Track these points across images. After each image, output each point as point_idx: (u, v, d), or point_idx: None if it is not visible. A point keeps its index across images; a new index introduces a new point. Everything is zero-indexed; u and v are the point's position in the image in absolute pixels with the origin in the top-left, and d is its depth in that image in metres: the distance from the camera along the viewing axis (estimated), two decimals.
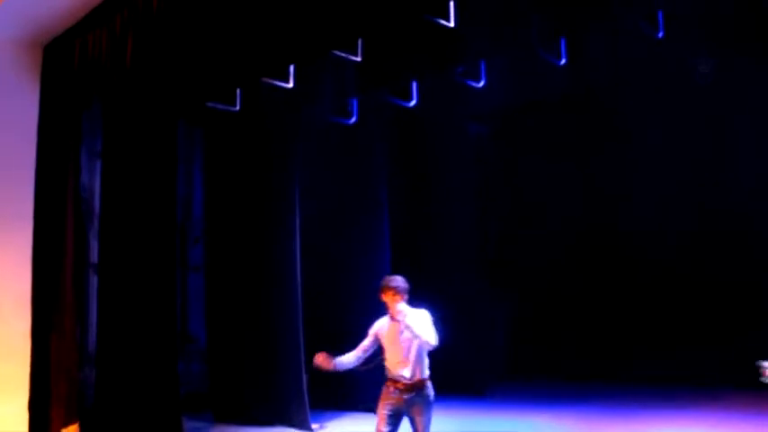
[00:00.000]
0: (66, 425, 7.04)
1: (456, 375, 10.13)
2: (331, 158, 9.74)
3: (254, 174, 9.03)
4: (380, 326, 5.60)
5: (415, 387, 5.45)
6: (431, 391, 5.54)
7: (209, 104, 7.95)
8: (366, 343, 5.60)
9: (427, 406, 5.51)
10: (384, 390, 5.54)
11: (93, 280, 7.57)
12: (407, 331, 5.39)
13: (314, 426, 8.55)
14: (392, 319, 5.48)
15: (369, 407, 7.56)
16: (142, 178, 8.06)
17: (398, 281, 5.53)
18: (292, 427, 8.55)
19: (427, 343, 5.37)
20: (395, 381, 5.48)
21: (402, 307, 5.43)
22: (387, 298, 5.45)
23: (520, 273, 11.35)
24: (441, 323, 10.22)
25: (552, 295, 11.21)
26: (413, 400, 5.45)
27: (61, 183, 7.19)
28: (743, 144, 9.84)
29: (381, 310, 5.65)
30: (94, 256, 7.60)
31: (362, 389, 8.74)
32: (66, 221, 7.21)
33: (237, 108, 7.92)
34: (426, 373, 5.51)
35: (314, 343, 8.67)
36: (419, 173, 11.00)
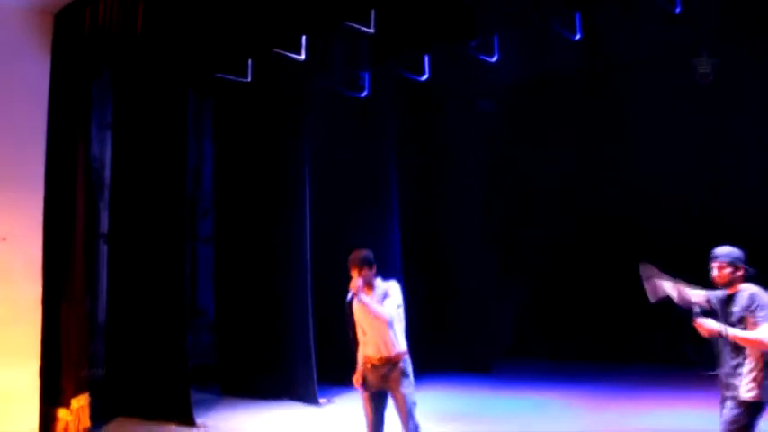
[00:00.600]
0: (76, 394, 7.06)
1: (463, 352, 10.33)
2: (341, 132, 9.70)
3: (264, 146, 9.00)
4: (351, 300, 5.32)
5: (389, 362, 5.27)
6: (407, 365, 5.32)
7: (220, 75, 7.89)
8: None
9: (404, 380, 5.28)
10: (360, 368, 5.39)
11: (104, 250, 7.55)
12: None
13: (321, 400, 8.58)
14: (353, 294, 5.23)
15: None
16: (152, 148, 8.05)
17: (357, 254, 5.30)
18: (300, 400, 8.60)
19: (383, 318, 5.16)
20: (368, 358, 5.33)
21: (370, 281, 5.22)
22: (352, 273, 5.23)
23: (528, 252, 11.32)
24: (448, 301, 10.46)
25: (559, 275, 11.18)
26: (388, 375, 5.26)
27: (71, 151, 7.13)
28: (755, 131, 9.77)
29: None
30: (104, 226, 7.58)
31: None
32: (76, 190, 7.16)
33: (249, 79, 7.86)
34: (400, 347, 5.30)
35: (323, 318, 8.80)
36: (429, 148, 10.96)
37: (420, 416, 5.29)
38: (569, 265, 11.13)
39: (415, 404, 5.28)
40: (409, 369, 5.31)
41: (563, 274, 11.15)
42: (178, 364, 7.83)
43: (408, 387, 5.28)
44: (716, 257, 4.73)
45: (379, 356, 5.28)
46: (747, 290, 4.60)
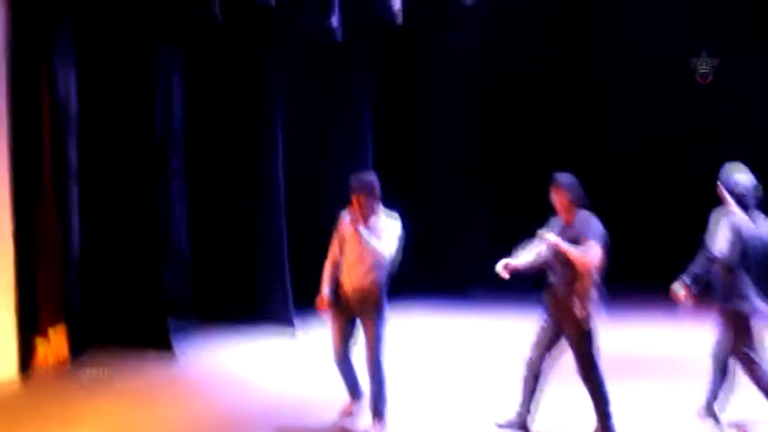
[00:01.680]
0: (53, 324, 7.32)
1: (439, 276, 10.61)
2: (315, 76, 9.67)
3: (235, 84, 8.97)
4: (345, 223, 5.29)
5: (363, 295, 5.18)
6: (382, 303, 5.21)
7: (190, 17, 7.81)
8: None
9: (376, 318, 5.18)
10: (327, 292, 5.30)
11: (75, 190, 7.69)
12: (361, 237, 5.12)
13: (298, 325, 8.76)
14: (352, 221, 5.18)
15: None
16: (120, 86, 8.10)
17: (360, 180, 5.22)
18: (276, 326, 8.85)
19: (378, 253, 5.10)
20: (345, 285, 5.25)
21: (373, 210, 5.14)
22: (353, 199, 5.14)
23: (502, 182, 11.42)
24: (425, 228, 10.65)
25: (529, 206, 11.32)
26: (361, 308, 5.20)
27: (35, 90, 7.23)
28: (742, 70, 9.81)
29: None
30: (74, 166, 7.69)
31: None
32: (42, 128, 7.29)
33: (219, 22, 7.73)
34: (379, 279, 5.20)
35: (298, 244, 9.01)
36: (405, 92, 10.94)
37: (388, 351, 5.27)
38: (541, 197, 11.23)
39: (382, 342, 5.20)
40: (384, 305, 5.22)
41: (534, 206, 11.29)
42: (154, 292, 8.12)
43: (380, 326, 5.22)
44: (555, 183, 5.01)
45: (355, 286, 5.20)
46: (584, 216, 4.92)
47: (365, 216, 5.14)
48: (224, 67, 9.04)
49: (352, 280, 5.20)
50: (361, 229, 5.08)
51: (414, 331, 8.86)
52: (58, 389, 6.61)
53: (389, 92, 10.60)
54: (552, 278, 5.05)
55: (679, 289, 5.16)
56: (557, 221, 5.13)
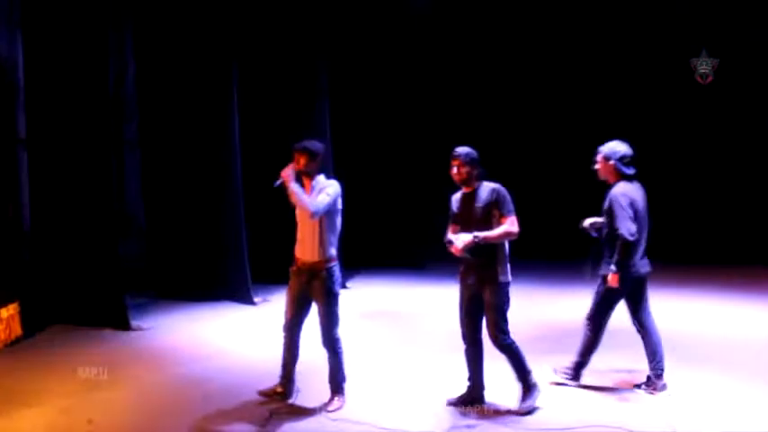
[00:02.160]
0: (5, 303, 6.98)
1: (400, 251, 10.79)
2: (267, 37, 9.43)
3: (187, 46, 8.65)
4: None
5: (313, 269, 5.04)
6: (332, 275, 5.04)
7: None
8: None
9: (326, 291, 5.02)
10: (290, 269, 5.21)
11: (24, 157, 7.29)
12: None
13: (257, 299, 8.71)
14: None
15: None
16: (69, 47, 7.64)
17: (303, 141, 5.08)
18: (235, 301, 8.70)
19: (306, 209, 4.87)
20: (296, 260, 5.15)
21: (311, 173, 5.00)
22: (294, 157, 5.00)
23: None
24: (387, 209, 10.71)
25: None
26: (311, 283, 5.05)
27: None
28: None
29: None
30: (22, 132, 7.29)
31: None
32: None
33: None
34: (327, 253, 5.04)
35: (256, 218, 8.82)
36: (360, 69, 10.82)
37: (343, 324, 5.16)
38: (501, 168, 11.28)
39: (336, 316, 5.09)
40: (334, 279, 5.05)
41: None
42: (109, 268, 7.75)
43: (331, 299, 5.06)
44: (456, 156, 5.04)
45: (302, 260, 5.09)
46: (486, 185, 5.02)
47: (305, 175, 5.02)
48: (177, 29, 8.65)
49: (304, 253, 5.08)
50: (294, 185, 4.88)
51: (373, 303, 8.92)
52: (12, 368, 6.31)
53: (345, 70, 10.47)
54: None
55: (614, 280, 5.24)
56: (456, 196, 5.19)
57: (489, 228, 4.92)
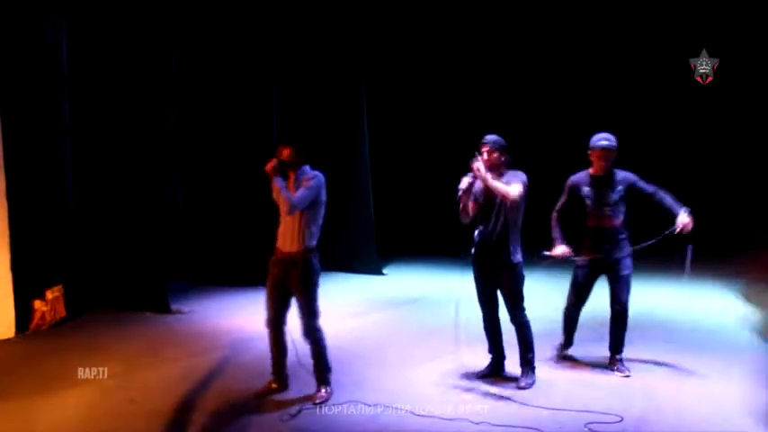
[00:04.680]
0: (50, 285, 7.19)
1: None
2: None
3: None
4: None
5: (292, 259, 4.97)
6: (311, 265, 4.97)
7: None
8: None
9: (304, 281, 4.95)
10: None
11: (68, 144, 7.49)
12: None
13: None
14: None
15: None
16: (113, 37, 7.76)
17: (292, 137, 5.24)
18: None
19: (284, 204, 4.86)
20: (276, 250, 5.09)
21: (296, 167, 5.00)
22: (281, 150, 5.01)
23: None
24: (424, 198, 10.74)
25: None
26: (289, 273, 4.98)
27: (25, 42, 6.94)
28: None
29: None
30: (67, 118, 7.46)
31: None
32: (34, 82, 7.02)
33: None
34: (306, 244, 4.97)
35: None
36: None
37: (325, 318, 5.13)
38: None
39: (316, 310, 5.04)
40: (313, 270, 4.99)
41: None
42: (151, 252, 7.95)
43: (309, 289, 4.99)
44: (485, 142, 5.28)
45: (282, 251, 5.03)
46: (513, 173, 5.25)
47: (290, 168, 5.01)
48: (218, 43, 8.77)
49: (284, 244, 5.04)
50: (277, 179, 4.89)
51: (406, 289, 9.09)
52: (57, 348, 6.50)
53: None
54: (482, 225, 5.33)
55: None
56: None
57: (515, 218, 5.23)
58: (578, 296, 5.79)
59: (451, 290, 8.64)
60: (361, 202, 9.96)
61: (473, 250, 5.34)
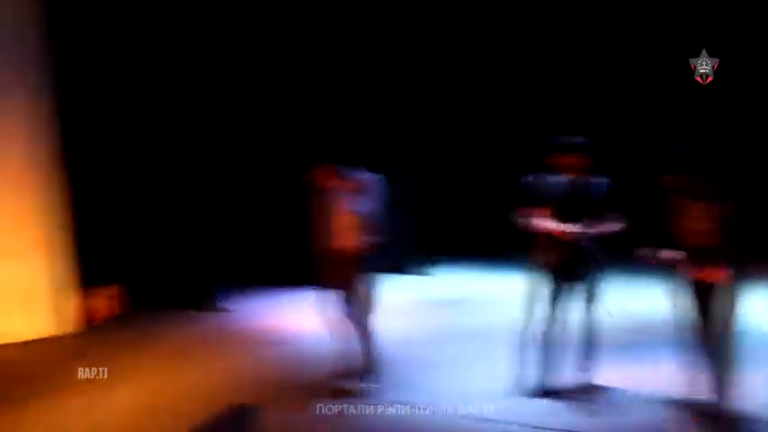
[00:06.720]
0: (108, 284, 7.47)
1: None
2: None
3: None
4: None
5: (350, 254, 5.09)
6: (369, 259, 5.10)
7: None
8: None
9: (362, 276, 5.11)
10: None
11: None
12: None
13: None
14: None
15: None
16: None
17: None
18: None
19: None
20: (331, 249, 5.18)
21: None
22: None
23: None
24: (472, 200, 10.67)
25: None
26: (347, 270, 5.10)
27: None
28: None
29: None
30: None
31: None
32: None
33: None
34: (364, 239, 5.09)
35: None
36: None
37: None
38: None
39: (372, 306, 5.16)
40: (371, 264, 5.13)
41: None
42: (200, 254, 8.19)
43: (368, 283, 5.14)
44: (577, 147, 5.02)
45: (338, 248, 5.13)
46: (596, 180, 5.03)
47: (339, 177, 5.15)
48: None
49: (341, 241, 5.14)
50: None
51: (452, 290, 9.04)
52: (110, 344, 6.72)
53: None
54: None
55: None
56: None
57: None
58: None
59: (495, 291, 8.72)
60: (407, 204, 9.95)
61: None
